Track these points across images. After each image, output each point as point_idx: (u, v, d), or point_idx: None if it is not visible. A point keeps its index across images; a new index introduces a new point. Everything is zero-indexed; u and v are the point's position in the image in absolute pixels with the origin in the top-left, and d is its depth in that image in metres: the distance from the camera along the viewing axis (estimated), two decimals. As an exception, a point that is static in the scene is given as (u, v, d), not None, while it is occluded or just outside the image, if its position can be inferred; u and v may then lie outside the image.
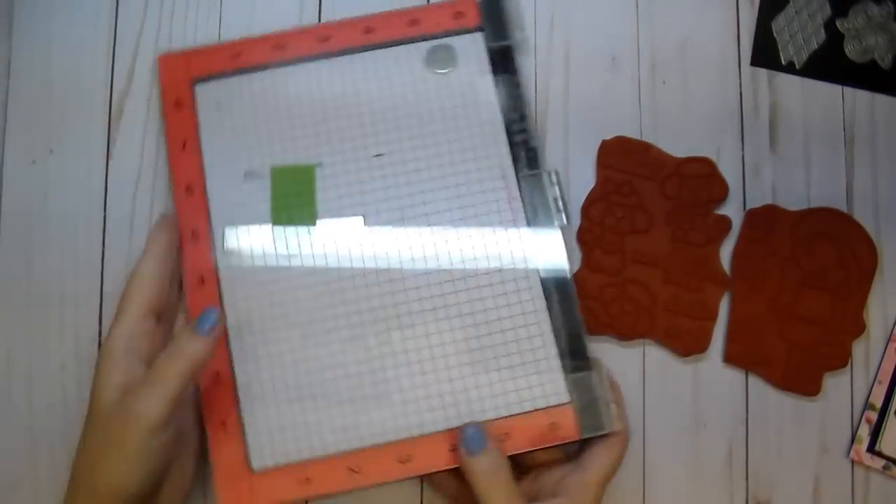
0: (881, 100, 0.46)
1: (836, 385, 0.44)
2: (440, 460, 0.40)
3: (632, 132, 0.46)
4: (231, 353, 0.42)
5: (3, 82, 0.46)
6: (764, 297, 0.44)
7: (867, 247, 0.45)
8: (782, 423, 0.44)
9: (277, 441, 0.41)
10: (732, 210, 0.45)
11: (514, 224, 0.43)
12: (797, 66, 0.46)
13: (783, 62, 0.46)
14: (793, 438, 0.44)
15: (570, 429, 0.41)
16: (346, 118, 0.44)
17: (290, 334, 0.42)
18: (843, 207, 0.45)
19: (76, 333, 0.44)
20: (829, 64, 0.46)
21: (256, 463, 0.41)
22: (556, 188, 0.43)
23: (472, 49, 0.45)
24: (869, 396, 0.44)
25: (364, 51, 0.45)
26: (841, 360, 0.44)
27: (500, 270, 0.43)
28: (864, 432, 0.44)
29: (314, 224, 0.43)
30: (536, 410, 0.41)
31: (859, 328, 0.44)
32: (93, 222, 0.45)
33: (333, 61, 0.45)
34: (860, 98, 0.46)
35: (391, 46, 0.45)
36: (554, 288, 0.42)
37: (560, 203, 0.43)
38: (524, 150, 0.44)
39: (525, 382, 0.41)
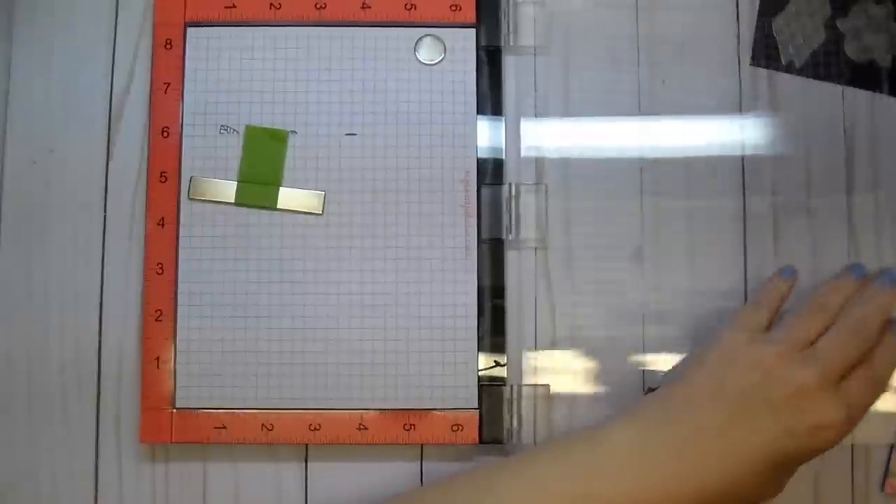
0: (881, 100, 0.46)
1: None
2: (344, 435, 0.43)
3: (630, 132, 0.46)
4: (178, 294, 0.44)
5: (3, 82, 0.46)
6: None
7: None
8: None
9: (204, 386, 0.43)
10: (732, 209, 0.45)
11: (465, 230, 0.44)
12: (797, 66, 0.46)
13: (783, 62, 0.46)
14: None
15: (472, 434, 0.43)
16: (327, 91, 0.45)
17: (235, 288, 0.44)
18: (842, 207, 0.45)
19: (76, 334, 0.44)
20: (829, 64, 0.46)
21: (180, 402, 0.43)
22: (513, 202, 0.44)
23: (463, 45, 0.45)
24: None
25: (357, 26, 0.45)
26: None
27: (441, 271, 0.44)
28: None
29: (278, 187, 0.44)
30: (446, 409, 0.43)
31: None
32: (93, 222, 0.45)
33: (325, 31, 0.45)
34: (860, 98, 0.46)
35: (384, 27, 0.45)
36: (489, 300, 0.44)
37: (513, 218, 0.44)
38: (492, 159, 0.45)
39: (440, 381, 0.43)
